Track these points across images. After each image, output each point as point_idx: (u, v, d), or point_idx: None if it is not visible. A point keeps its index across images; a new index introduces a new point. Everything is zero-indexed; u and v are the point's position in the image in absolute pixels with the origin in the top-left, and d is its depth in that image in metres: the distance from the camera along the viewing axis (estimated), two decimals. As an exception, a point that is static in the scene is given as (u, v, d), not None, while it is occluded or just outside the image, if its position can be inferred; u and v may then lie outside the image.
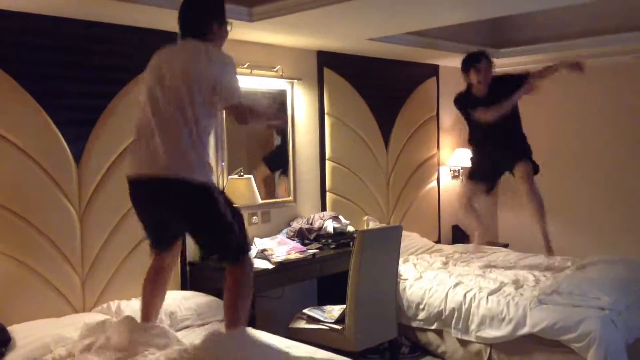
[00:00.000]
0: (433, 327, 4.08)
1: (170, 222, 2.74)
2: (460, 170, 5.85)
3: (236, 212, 2.74)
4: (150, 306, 2.83)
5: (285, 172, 4.43)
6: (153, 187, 2.59)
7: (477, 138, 4.59)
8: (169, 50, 2.65)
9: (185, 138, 2.51)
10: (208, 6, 2.69)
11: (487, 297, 3.89)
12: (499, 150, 4.48)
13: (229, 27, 2.75)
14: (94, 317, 3.14)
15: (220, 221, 2.60)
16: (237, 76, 2.63)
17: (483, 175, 4.63)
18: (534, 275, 4.31)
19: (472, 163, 4.77)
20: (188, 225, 2.70)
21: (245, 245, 2.74)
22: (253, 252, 3.79)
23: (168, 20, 3.16)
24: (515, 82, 4.29)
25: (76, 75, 3.29)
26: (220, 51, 2.66)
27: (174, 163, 2.52)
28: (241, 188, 3.77)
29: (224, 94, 2.58)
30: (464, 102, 4.50)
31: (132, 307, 3.24)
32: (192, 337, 3.11)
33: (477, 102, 4.38)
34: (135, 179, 2.63)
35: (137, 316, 3.14)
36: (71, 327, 2.94)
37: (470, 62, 4.38)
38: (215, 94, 2.56)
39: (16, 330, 2.84)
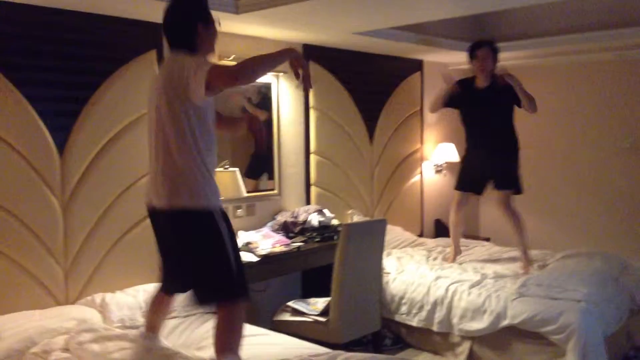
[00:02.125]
0: (414, 322, 4.12)
1: (174, 261, 2.56)
2: (444, 165, 5.90)
3: (236, 245, 2.54)
4: (155, 322, 2.74)
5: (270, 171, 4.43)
6: (157, 218, 2.51)
7: (474, 142, 4.55)
8: (159, 69, 2.51)
9: (177, 163, 2.35)
10: (189, 7, 2.48)
11: (469, 290, 3.94)
12: (492, 168, 4.45)
13: (217, 26, 2.52)
14: (77, 309, 3.14)
15: (218, 253, 2.41)
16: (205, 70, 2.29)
17: (470, 187, 4.63)
18: (515, 269, 4.37)
19: (461, 172, 4.66)
20: (184, 258, 2.48)
21: (242, 285, 2.50)
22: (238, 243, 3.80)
23: (152, 11, 3.16)
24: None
25: (60, 65, 3.25)
26: (197, 56, 2.39)
27: (169, 192, 2.37)
28: (226, 181, 3.77)
29: (190, 81, 2.26)
30: (463, 91, 4.45)
31: (118, 300, 3.23)
32: (179, 331, 3.14)
33: (476, 93, 4.40)
34: (148, 206, 2.53)
35: (123, 311, 3.17)
36: (55, 319, 2.95)
37: (472, 50, 4.40)
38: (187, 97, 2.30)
39: (-1, 323, 2.82)
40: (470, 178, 4.57)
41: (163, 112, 2.37)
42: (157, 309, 2.73)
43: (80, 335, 2.73)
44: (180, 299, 3.29)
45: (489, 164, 4.45)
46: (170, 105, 2.34)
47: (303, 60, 2.48)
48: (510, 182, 4.42)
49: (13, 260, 3.06)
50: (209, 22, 2.49)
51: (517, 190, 4.45)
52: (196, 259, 2.43)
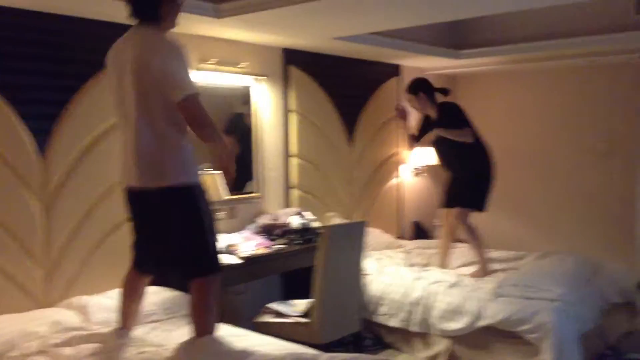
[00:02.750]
0: (393, 323, 4.17)
1: (154, 239, 2.64)
2: (424, 168, 5.97)
3: (212, 220, 2.61)
4: (130, 311, 2.78)
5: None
6: (134, 197, 2.58)
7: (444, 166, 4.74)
8: (121, 44, 2.52)
9: (150, 142, 2.42)
10: None
11: (447, 291, 4.01)
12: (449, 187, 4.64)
13: (179, 7, 2.56)
14: (58, 312, 3.13)
15: (198, 227, 2.51)
16: (187, 67, 2.39)
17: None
18: (492, 269, 4.45)
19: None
20: (162, 234, 2.56)
21: (216, 260, 2.61)
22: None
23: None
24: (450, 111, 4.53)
25: (40, 68, 3.25)
26: (166, 38, 2.44)
27: (145, 172, 2.45)
28: (207, 184, 3.78)
29: (169, 87, 2.35)
30: (422, 131, 4.74)
31: (98, 302, 3.22)
32: (158, 332, 3.13)
33: (432, 125, 4.59)
34: (124, 187, 2.60)
35: (104, 313, 3.16)
36: (35, 322, 2.92)
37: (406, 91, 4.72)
38: (159, 87, 2.36)
39: (-22, 326, 2.80)
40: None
41: (137, 93, 2.41)
42: (129, 295, 2.76)
43: (54, 338, 2.72)
44: (162, 298, 3.31)
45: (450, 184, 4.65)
46: (144, 90, 2.39)
47: (230, 164, 2.47)
48: (453, 200, 4.55)
49: (-9, 262, 3.04)
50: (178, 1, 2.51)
51: (462, 206, 4.50)
52: (175, 234, 2.51)
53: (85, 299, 3.23)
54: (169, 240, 2.56)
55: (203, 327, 2.53)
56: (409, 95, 4.69)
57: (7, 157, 3.09)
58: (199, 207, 2.51)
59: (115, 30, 3.31)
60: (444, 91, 4.71)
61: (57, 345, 2.66)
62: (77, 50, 3.38)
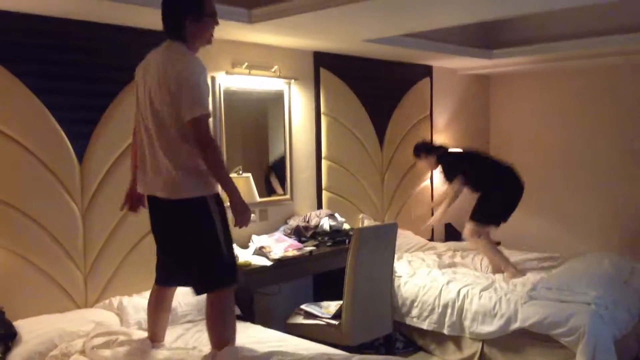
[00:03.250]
0: (425, 325, 4.17)
1: (170, 249, 2.69)
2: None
3: (227, 231, 2.61)
4: (157, 326, 2.83)
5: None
6: (153, 206, 2.65)
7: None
8: (150, 57, 2.59)
9: (165, 154, 2.47)
10: (178, 2, 2.54)
11: (480, 293, 3.99)
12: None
13: (209, 26, 2.57)
14: (96, 312, 3.22)
15: (211, 239, 2.51)
16: (202, 88, 2.41)
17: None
18: (525, 272, 4.41)
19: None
20: (179, 246, 2.60)
21: (231, 272, 2.60)
22: (251, 250, 3.86)
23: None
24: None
25: (79, 74, 3.34)
26: (187, 56, 2.48)
27: (161, 183, 2.51)
28: (240, 186, 3.82)
29: (182, 104, 2.38)
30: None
31: (134, 303, 3.31)
32: (192, 332, 3.20)
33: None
34: (148, 197, 2.67)
35: (140, 314, 3.25)
36: (74, 322, 3.03)
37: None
38: (175, 103, 2.40)
39: (21, 326, 2.91)
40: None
41: (155, 106, 2.47)
42: (154, 311, 2.80)
43: (94, 340, 2.80)
44: (197, 299, 3.38)
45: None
46: (162, 104, 2.45)
47: (242, 212, 2.50)
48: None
49: (35, 265, 3.15)
50: (200, 17, 2.53)
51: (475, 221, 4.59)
52: (188, 245, 2.55)
53: (122, 300, 3.32)
54: (183, 251, 2.60)
55: (220, 340, 2.53)
56: (415, 158, 5.06)
57: (48, 162, 3.19)
58: (212, 219, 2.51)
59: (152, 37, 3.39)
60: (440, 149, 4.99)
61: (96, 347, 2.74)
62: (115, 57, 3.47)
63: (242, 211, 2.48)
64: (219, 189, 2.57)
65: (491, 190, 4.60)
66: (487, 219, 4.57)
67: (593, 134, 5.84)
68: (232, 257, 2.64)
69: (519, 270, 4.40)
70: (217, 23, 2.61)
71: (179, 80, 2.40)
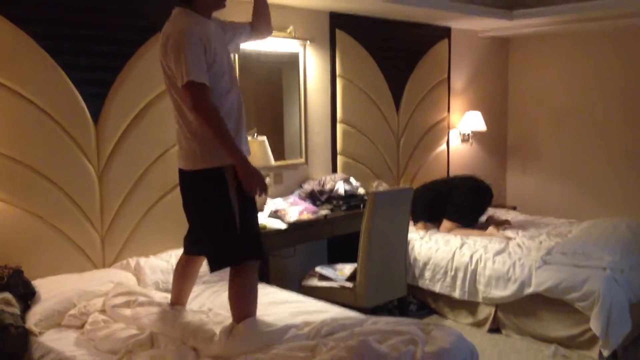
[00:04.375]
0: (437, 288, 4.19)
1: (190, 220, 2.69)
2: (470, 134, 5.88)
3: (249, 205, 2.52)
4: (180, 293, 2.83)
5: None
6: (180, 178, 2.63)
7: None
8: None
9: (182, 124, 2.46)
10: None
11: (493, 258, 3.98)
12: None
13: None
14: (114, 273, 3.26)
15: (222, 213, 2.44)
16: (194, 52, 2.29)
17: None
18: (540, 236, 4.39)
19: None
20: (197, 218, 2.59)
21: (251, 246, 2.51)
22: (266, 213, 3.87)
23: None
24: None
25: (93, 34, 3.31)
26: (182, 20, 2.39)
27: (182, 153, 2.51)
28: (255, 149, 3.82)
29: (177, 71, 2.32)
30: None
31: (151, 264, 3.34)
32: (208, 293, 3.24)
33: None
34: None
35: (157, 274, 3.29)
36: (92, 282, 3.07)
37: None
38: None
39: (40, 285, 2.96)
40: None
41: (166, 76, 2.45)
42: (181, 275, 2.80)
43: (114, 299, 2.85)
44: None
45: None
46: (170, 72, 2.40)
47: (250, 181, 2.40)
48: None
49: (52, 225, 3.18)
50: None
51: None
52: (204, 218, 2.53)
53: (139, 261, 3.36)
54: (198, 224, 2.59)
55: (239, 314, 2.50)
56: None
57: (63, 123, 3.19)
58: (226, 191, 2.45)
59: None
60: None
61: (116, 305, 2.79)
62: (130, 17, 3.44)
63: (248, 176, 2.38)
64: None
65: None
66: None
67: (616, 98, 5.71)
68: (252, 231, 2.53)
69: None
70: None
71: (172, 49, 2.33)
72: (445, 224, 4.65)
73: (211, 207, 2.49)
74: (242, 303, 2.51)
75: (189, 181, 2.55)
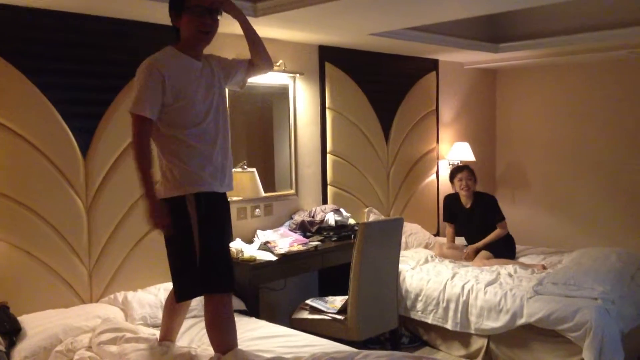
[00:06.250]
0: (430, 320, 4.16)
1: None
2: (459, 163, 5.91)
3: (216, 237, 2.51)
4: (169, 328, 2.80)
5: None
6: None
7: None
8: None
9: (158, 153, 2.52)
10: None
11: (485, 288, 3.96)
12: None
13: (193, 21, 2.43)
14: (101, 307, 3.22)
15: (181, 244, 2.45)
16: (145, 86, 2.37)
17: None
18: (531, 267, 4.39)
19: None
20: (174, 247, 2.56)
21: (218, 277, 2.47)
22: (256, 245, 3.85)
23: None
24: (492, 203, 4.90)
25: (83, 69, 3.33)
26: (158, 53, 2.46)
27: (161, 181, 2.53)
28: (245, 181, 3.83)
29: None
30: (451, 204, 5.05)
31: (139, 298, 3.31)
32: (197, 329, 3.20)
33: (462, 210, 4.95)
34: None
35: (145, 309, 3.25)
36: (79, 317, 3.03)
37: (454, 173, 4.99)
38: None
39: (26, 321, 2.91)
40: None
41: None
42: (171, 311, 2.77)
43: (101, 336, 2.81)
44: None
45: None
46: None
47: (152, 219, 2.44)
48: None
49: (39, 260, 3.15)
50: (180, 13, 2.45)
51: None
52: (167, 246, 2.54)
53: (127, 295, 3.32)
54: (167, 252, 2.58)
55: (220, 345, 2.48)
56: (469, 174, 4.93)
57: (52, 157, 3.18)
58: (186, 221, 2.44)
59: (156, 31, 3.40)
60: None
61: (103, 342, 2.74)
62: (119, 52, 3.46)
63: (147, 213, 2.41)
64: (214, 187, 2.50)
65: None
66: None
67: (600, 128, 5.79)
68: (219, 263, 2.49)
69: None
70: (200, 16, 2.43)
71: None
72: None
73: (172, 236, 2.49)
74: (218, 334, 2.50)
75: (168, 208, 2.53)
